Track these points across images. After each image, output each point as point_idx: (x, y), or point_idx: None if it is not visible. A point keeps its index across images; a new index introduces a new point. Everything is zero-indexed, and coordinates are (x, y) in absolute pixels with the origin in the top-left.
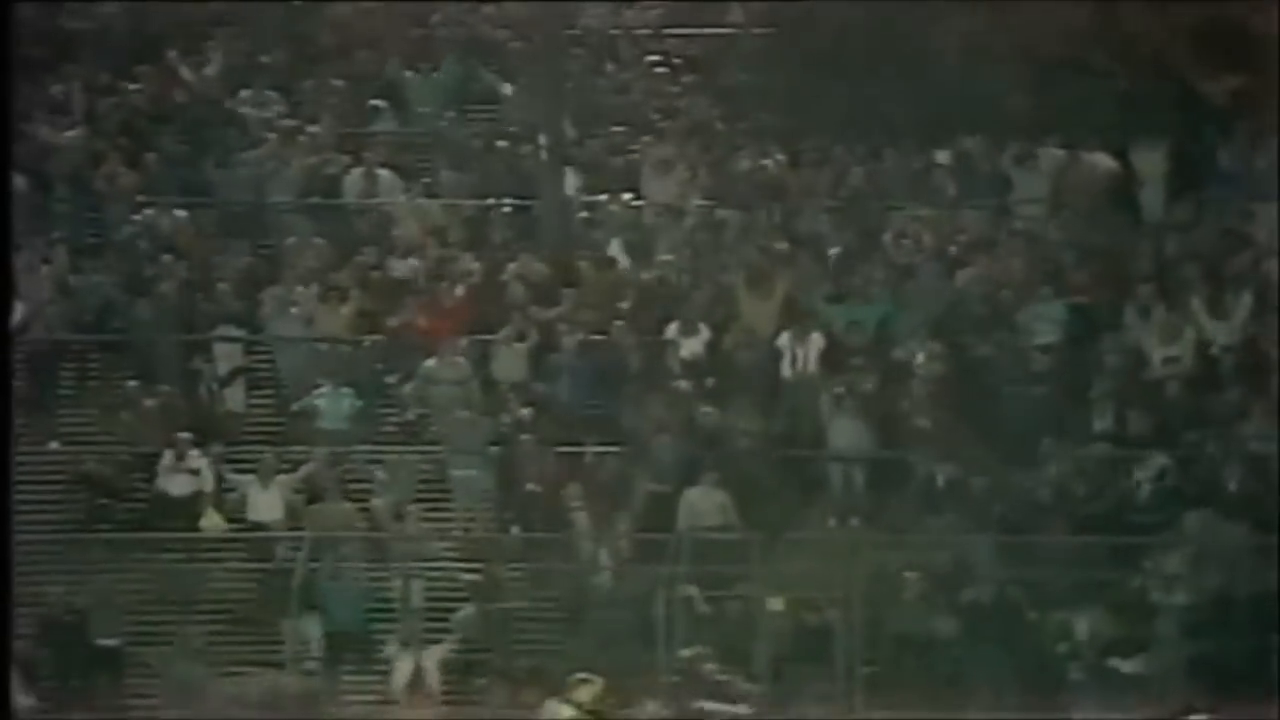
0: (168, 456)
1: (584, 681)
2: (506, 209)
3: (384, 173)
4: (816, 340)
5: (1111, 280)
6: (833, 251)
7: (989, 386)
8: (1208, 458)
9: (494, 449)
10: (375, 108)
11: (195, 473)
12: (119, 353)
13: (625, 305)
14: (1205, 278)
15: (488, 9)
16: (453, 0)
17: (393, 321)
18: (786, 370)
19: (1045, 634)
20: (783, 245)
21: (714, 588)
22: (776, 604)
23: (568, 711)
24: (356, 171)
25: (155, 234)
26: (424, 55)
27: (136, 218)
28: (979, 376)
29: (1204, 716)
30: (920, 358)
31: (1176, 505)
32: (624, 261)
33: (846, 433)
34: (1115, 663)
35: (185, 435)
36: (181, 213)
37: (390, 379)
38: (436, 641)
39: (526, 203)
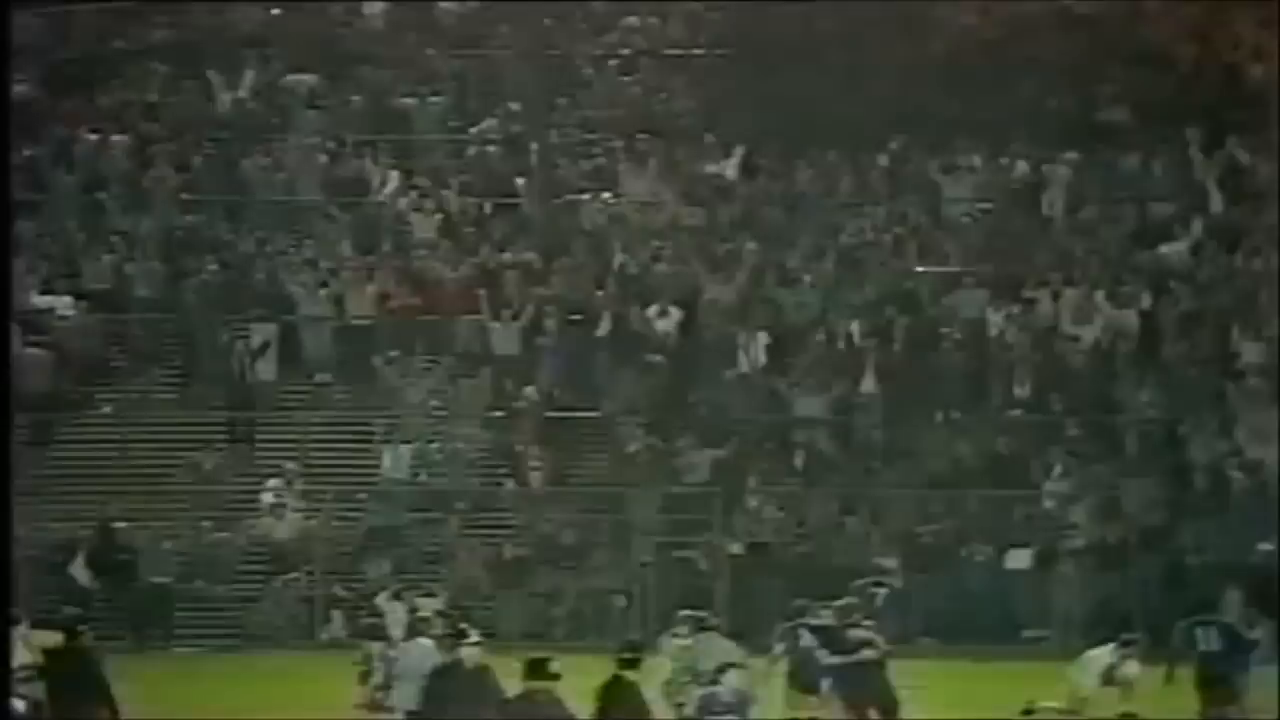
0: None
1: (685, 620)
2: (503, 205)
3: (400, 178)
4: (763, 338)
5: (1027, 270)
6: (783, 241)
7: (921, 360)
8: (1111, 424)
9: (494, 414)
10: (391, 118)
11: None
12: (167, 330)
13: (606, 288)
14: (1108, 269)
15: (487, 36)
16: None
17: (406, 304)
18: (743, 362)
19: (974, 568)
20: (740, 236)
21: (683, 534)
22: (736, 548)
23: (681, 643)
24: (375, 173)
25: (199, 228)
26: (432, 73)
27: (188, 218)
28: (912, 351)
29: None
30: (856, 334)
31: (1084, 465)
32: (605, 250)
33: (801, 401)
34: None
35: (293, 466)
36: (221, 209)
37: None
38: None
39: (519, 200)
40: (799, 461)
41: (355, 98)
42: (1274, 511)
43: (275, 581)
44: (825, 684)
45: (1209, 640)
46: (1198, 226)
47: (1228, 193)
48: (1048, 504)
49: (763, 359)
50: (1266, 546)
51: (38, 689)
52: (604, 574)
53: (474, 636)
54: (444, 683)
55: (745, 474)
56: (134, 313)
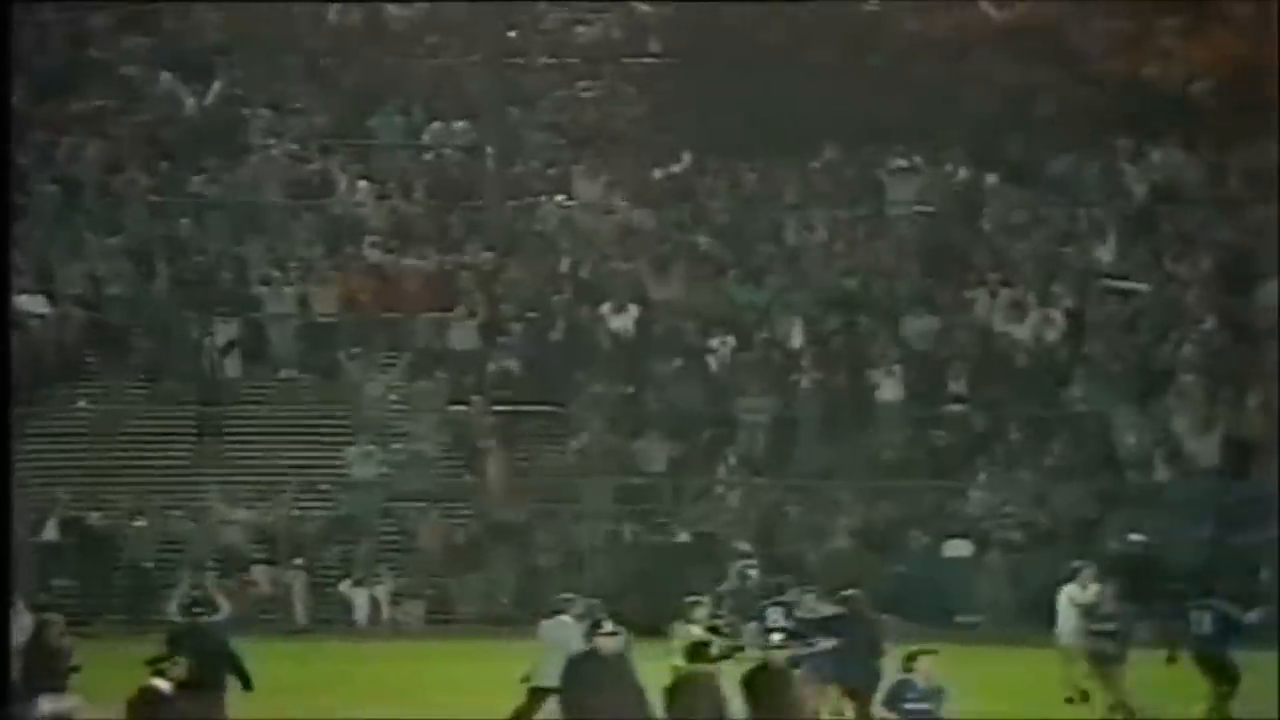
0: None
1: (695, 604)
2: (461, 208)
3: (361, 181)
4: (712, 335)
5: (964, 270)
6: (730, 242)
7: (862, 358)
8: (1045, 419)
9: (452, 408)
10: (353, 123)
11: None
12: (138, 328)
13: (561, 287)
14: (1042, 271)
15: (444, 45)
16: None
17: (367, 302)
18: (692, 358)
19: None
20: (689, 238)
21: (636, 524)
22: (684, 536)
23: (697, 630)
24: (338, 176)
25: (169, 230)
26: (393, 80)
27: (158, 220)
28: (854, 349)
29: None
30: (799, 334)
31: (1017, 459)
32: (558, 251)
33: (747, 396)
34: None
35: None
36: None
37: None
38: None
39: (477, 203)
40: (746, 454)
41: (318, 103)
42: (1202, 502)
43: (242, 570)
44: (813, 667)
45: (1202, 624)
46: (1126, 230)
47: (1156, 197)
48: (980, 495)
49: (711, 355)
50: (1137, 537)
51: (180, 669)
52: (554, 561)
53: (609, 627)
54: (583, 669)
55: (693, 466)
56: (107, 312)
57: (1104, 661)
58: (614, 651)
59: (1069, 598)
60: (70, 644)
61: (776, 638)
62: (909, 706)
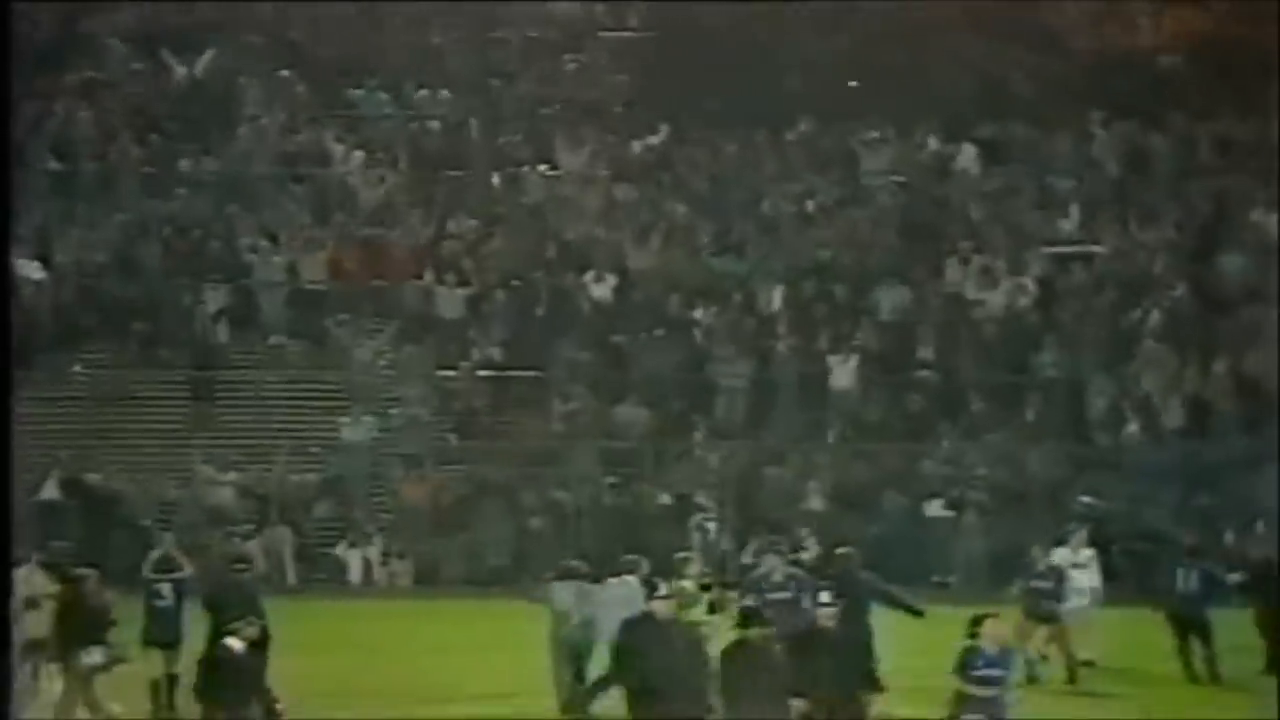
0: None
1: (685, 561)
2: (447, 178)
3: (356, 152)
4: (714, 310)
5: (937, 239)
6: (709, 212)
7: (837, 324)
8: (1016, 384)
9: (439, 373)
10: (342, 96)
11: None
12: (132, 295)
13: (545, 256)
14: (1010, 237)
15: (433, 21)
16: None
17: (354, 270)
18: (697, 335)
19: (888, 513)
20: (669, 208)
21: (617, 486)
22: (665, 498)
23: (688, 583)
24: (326, 147)
25: (164, 200)
26: (382, 55)
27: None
28: (830, 317)
29: None
30: (777, 302)
31: (989, 422)
32: (541, 221)
33: (727, 364)
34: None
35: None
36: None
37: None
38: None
39: (462, 173)
40: (725, 418)
41: (308, 76)
42: (1170, 466)
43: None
44: None
45: (1188, 582)
46: (1096, 200)
47: (1126, 168)
48: (953, 458)
49: (693, 326)
50: (1087, 499)
51: (253, 630)
52: (541, 523)
53: (664, 590)
54: (639, 631)
55: (674, 430)
56: (101, 279)
57: (1041, 617)
58: (668, 616)
59: (1060, 561)
60: (111, 598)
61: (825, 597)
62: (979, 674)
